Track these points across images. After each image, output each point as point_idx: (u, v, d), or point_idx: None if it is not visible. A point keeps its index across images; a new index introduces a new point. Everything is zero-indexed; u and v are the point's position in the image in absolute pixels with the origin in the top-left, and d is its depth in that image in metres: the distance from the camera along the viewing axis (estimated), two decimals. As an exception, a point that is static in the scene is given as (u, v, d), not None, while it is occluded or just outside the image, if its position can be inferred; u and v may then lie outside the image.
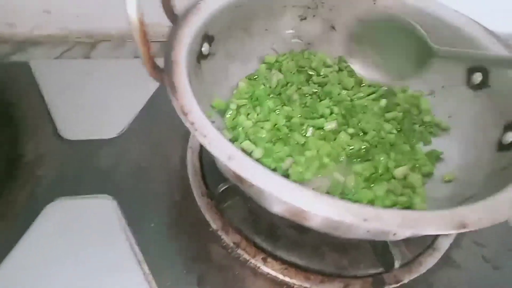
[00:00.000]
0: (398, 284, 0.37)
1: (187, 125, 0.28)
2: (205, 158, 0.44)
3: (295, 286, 0.36)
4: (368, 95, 0.45)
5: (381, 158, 0.39)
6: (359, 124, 0.41)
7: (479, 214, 0.26)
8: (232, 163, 0.26)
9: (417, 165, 0.40)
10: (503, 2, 0.61)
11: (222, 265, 0.37)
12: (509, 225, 0.42)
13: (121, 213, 0.40)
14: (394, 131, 0.42)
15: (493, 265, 0.40)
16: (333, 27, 0.46)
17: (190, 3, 0.36)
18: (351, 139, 0.40)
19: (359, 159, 0.39)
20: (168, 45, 0.32)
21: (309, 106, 0.42)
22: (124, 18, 0.26)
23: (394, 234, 0.30)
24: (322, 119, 0.41)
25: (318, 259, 0.38)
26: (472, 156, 0.39)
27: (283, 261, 0.37)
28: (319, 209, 0.25)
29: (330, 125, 0.41)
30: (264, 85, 0.43)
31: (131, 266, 0.36)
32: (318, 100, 0.43)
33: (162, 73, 0.30)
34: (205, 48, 0.38)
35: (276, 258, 0.37)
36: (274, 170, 0.37)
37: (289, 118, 0.41)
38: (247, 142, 0.38)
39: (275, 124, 0.40)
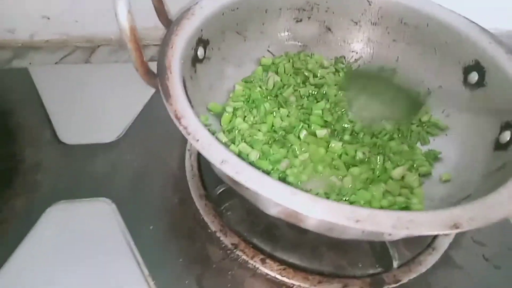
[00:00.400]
0: (398, 284, 0.36)
1: (181, 129, 0.28)
2: (203, 161, 0.44)
3: (294, 287, 0.36)
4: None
5: (378, 159, 0.39)
6: (355, 127, 0.42)
7: (472, 214, 0.26)
8: (225, 166, 0.26)
9: (414, 165, 0.40)
10: (497, 1, 0.61)
11: (221, 267, 0.37)
12: (510, 223, 0.42)
13: (120, 216, 0.40)
14: (392, 131, 0.42)
15: (493, 264, 0.39)
16: (329, 29, 0.46)
17: (184, 7, 0.36)
18: (343, 146, 0.40)
19: (354, 165, 0.39)
20: (161, 50, 0.32)
21: (306, 107, 0.42)
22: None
23: (390, 235, 0.30)
24: (314, 125, 0.41)
25: (317, 260, 0.38)
26: (469, 156, 0.39)
27: (282, 262, 0.37)
28: (311, 211, 0.25)
29: (321, 133, 0.41)
30: (261, 88, 0.43)
31: (131, 268, 0.37)
32: (315, 101, 0.44)
33: (156, 78, 0.31)
34: (200, 52, 0.38)
35: (274, 258, 0.37)
36: (271, 172, 0.37)
37: (285, 120, 0.41)
38: (244, 144, 0.38)
39: (272, 126, 0.41)
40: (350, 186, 0.38)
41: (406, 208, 0.36)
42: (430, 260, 0.38)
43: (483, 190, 0.30)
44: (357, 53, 0.48)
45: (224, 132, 0.40)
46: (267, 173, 0.33)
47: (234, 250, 0.38)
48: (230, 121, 0.41)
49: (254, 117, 0.41)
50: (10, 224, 0.39)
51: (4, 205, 0.40)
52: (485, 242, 0.41)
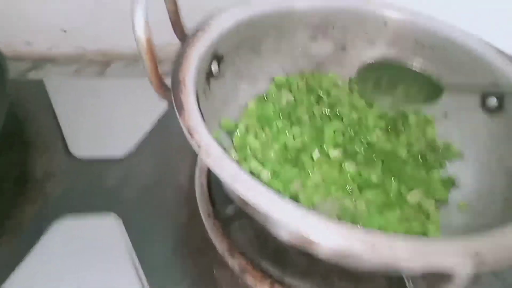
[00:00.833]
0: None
1: (192, 144, 0.28)
2: (213, 179, 0.43)
3: (301, 315, 0.35)
4: (380, 117, 0.44)
5: (393, 183, 0.38)
6: (368, 148, 0.41)
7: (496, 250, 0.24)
8: (237, 184, 0.25)
9: (430, 191, 0.38)
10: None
11: (227, 290, 0.36)
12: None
13: (126, 233, 0.39)
14: (407, 156, 0.41)
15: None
16: (343, 48, 0.46)
17: (200, 21, 0.36)
18: (357, 169, 0.39)
19: (369, 188, 0.38)
20: (176, 64, 0.32)
21: (319, 127, 0.41)
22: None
23: (408, 267, 0.28)
24: (327, 145, 0.40)
25: (327, 289, 0.36)
26: (487, 182, 0.37)
27: (290, 288, 0.36)
28: (324, 237, 0.24)
29: (334, 153, 0.40)
30: (274, 106, 0.43)
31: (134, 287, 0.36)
32: (329, 121, 0.43)
33: (169, 92, 0.30)
34: (215, 67, 0.38)
35: (283, 284, 0.36)
36: (283, 192, 0.36)
37: (298, 139, 0.40)
38: (255, 162, 0.38)
39: (284, 145, 0.40)
40: (364, 209, 0.36)
41: (422, 234, 0.35)
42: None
43: (504, 219, 0.28)
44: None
45: (235, 149, 0.40)
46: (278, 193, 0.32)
47: (242, 273, 0.36)
48: (242, 139, 0.40)
49: (266, 135, 0.40)
50: (18, 236, 0.39)
51: (13, 217, 0.40)
52: (506, 275, 0.39)
